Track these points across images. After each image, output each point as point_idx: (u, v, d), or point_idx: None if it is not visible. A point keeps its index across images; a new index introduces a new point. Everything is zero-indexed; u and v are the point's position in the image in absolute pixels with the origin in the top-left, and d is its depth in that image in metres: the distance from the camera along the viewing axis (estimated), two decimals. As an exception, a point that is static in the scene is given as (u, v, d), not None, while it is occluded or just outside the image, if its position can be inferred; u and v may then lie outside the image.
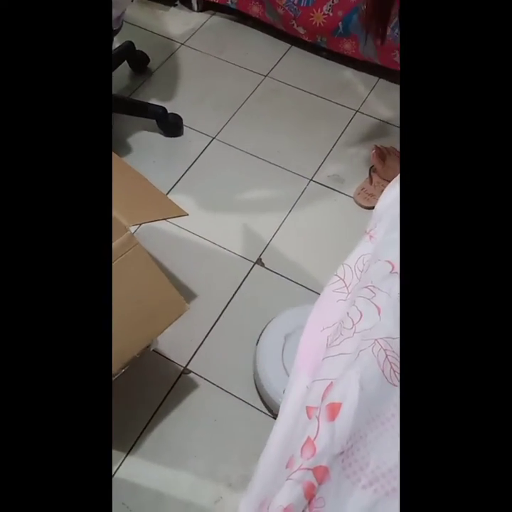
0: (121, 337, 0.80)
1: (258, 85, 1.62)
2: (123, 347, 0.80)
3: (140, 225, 1.20)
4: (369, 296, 0.68)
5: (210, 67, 1.66)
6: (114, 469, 1.02)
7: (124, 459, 1.03)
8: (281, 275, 1.27)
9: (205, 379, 1.12)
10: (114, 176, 0.93)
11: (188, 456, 1.04)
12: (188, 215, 0.96)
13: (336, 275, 0.79)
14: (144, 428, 1.06)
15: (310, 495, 0.51)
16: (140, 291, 0.82)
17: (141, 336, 0.83)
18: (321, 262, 1.28)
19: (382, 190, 1.40)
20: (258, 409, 1.08)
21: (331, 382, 0.60)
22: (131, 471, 1.02)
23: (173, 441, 1.05)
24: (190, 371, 1.13)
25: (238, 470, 1.02)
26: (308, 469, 0.51)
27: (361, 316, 0.67)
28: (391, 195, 0.91)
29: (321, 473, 0.52)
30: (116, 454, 1.03)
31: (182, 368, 1.13)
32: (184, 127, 1.51)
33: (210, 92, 1.60)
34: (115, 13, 1.05)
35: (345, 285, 0.77)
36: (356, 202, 1.39)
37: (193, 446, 1.05)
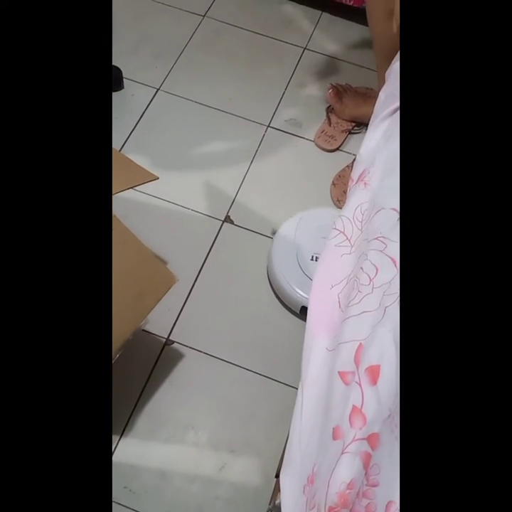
0: (114, 321, 0.73)
1: (197, 27, 1.50)
2: (116, 331, 0.73)
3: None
4: (381, 248, 0.65)
5: (141, 10, 1.51)
6: (109, 454, 0.97)
7: (118, 441, 0.98)
8: (252, 230, 1.22)
9: (189, 347, 1.07)
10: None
11: (185, 429, 1.00)
12: (158, 178, 0.87)
13: (335, 228, 0.75)
14: (135, 407, 1.01)
15: (367, 464, 0.49)
16: (125, 269, 0.75)
17: (133, 316, 0.76)
18: (291, 211, 1.24)
19: (343, 131, 1.37)
20: (249, 370, 1.06)
21: (361, 344, 0.58)
22: (128, 452, 0.97)
23: (167, 415, 1.01)
24: (173, 342, 1.08)
25: (238, 434, 1.00)
26: (363, 439, 0.49)
27: (377, 270, 0.64)
28: (374, 137, 0.87)
29: (374, 441, 0.50)
30: (109, 438, 0.98)
31: (164, 340, 1.08)
32: (124, 80, 1.37)
33: (146, 37, 1.46)
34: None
35: (347, 238, 0.73)
36: (317, 145, 1.34)
37: (189, 418, 1.01)
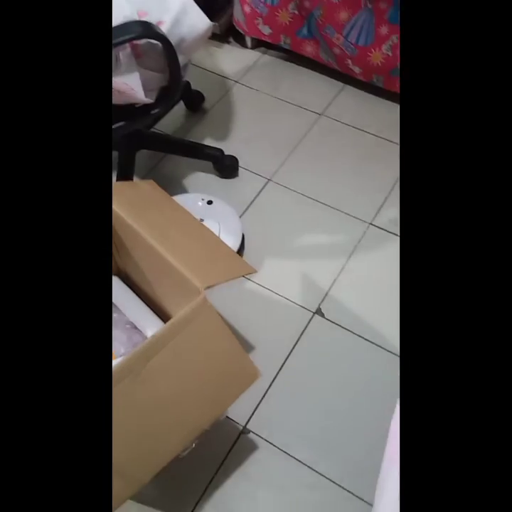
0: (195, 410, 0.75)
1: (314, 124, 1.59)
2: (196, 421, 0.75)
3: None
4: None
5: (265, 105, 1.63)
6: (171, 537, 0.96)
7: (182, 527, 0.97)
8: (342, 326, 1.21)
9: (265, 440, 1.06)
10: (186, 234, 0.89)
11: (249, 526, 0.97)
12: (256, 272, 0.91)
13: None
14: (204, 492, 1.00)
15: None
16: (214, 359, 0.77)
17: (214, 408, 0.78)
18: (384, 312, 1.22)
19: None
20: (324, 477, 1.02)
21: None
22: (190, 540, 0.96)
23: (234, 508, 0.99)
24: (250, 431, 1.07)
25: (303, 544, 0.96)
26: None
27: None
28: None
29: None
30: (174, 521, 0.98)
31: (241, 428, 1.07)
32: (240, 168, 1.47)
33: (266, 131, 1.57)
34: (183, 59, 1.03)
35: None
36: (419, 248, 1.32)
37: (256, 515, 0.99)
